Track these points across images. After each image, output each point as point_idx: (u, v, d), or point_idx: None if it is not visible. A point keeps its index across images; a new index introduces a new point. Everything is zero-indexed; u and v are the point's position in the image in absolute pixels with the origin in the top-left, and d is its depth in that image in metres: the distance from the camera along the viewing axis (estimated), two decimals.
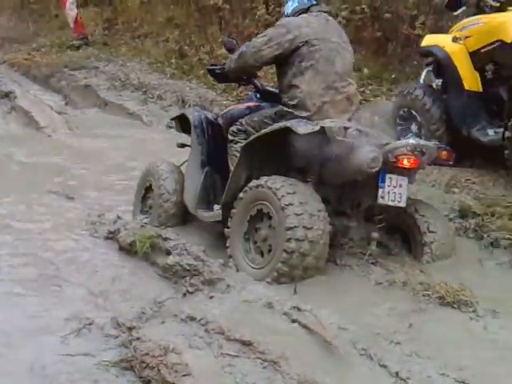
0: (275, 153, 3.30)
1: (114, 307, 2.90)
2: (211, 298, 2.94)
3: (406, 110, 4.90)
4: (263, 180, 3.18)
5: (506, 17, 4.48)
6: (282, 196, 3.04)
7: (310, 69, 3.34)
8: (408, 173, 3.28)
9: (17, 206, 4.44)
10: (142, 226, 3.75)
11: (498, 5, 4.62)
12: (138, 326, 2.61)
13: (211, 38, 8.63)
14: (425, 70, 5.11)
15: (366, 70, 6.57)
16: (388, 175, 3.21)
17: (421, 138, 4.65)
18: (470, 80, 4.63)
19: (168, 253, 3.40)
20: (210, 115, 4.04)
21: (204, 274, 3.11)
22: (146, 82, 7.88)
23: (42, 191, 4.76)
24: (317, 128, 3.04)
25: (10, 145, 6.21)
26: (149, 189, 4.10)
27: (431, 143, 3.37)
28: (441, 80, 4.87)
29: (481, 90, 4.62)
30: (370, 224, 3.37)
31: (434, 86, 4.94)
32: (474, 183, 4.24)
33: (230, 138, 3.65)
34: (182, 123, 4.13)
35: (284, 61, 3.41)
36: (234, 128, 3.65)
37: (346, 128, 3.14)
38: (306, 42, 3.34)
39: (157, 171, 4.02)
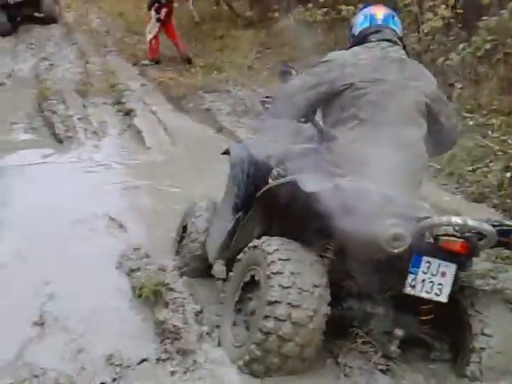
0: (290, 209, 2.72)
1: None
2: (172, 374, 2.49)
3: None
4: (261, 240, 2.65)
5: None
6: (272, 262, 2.48)
7: (352, 118, 2.71)
8: (457, 258, 2.49)
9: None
10: (159, 268, 3.41)
11: None
12: None
13: None
14: None
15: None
16: (425, 258, 2.49)
17: None
18: None
19: (166, 306, 3.01)
20: (262, 153, 3.53)
21: (181, 341, 2.68)
22: None
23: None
24: (328, 187, 2.42)
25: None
26: (186, 228, 3.73)
27: (488, 225, 2.43)
28: None
29: None
30: (407, 316, 2.67)
31: None
32: None
33: (270, 182, 3.16)
34: None
35: (326, 105, 2.85)
36: (275, 171, 3.16)
37: (366, 191, 2.41)
38: (351, 84, 2.72)
39: (193, 208, 3.69)
